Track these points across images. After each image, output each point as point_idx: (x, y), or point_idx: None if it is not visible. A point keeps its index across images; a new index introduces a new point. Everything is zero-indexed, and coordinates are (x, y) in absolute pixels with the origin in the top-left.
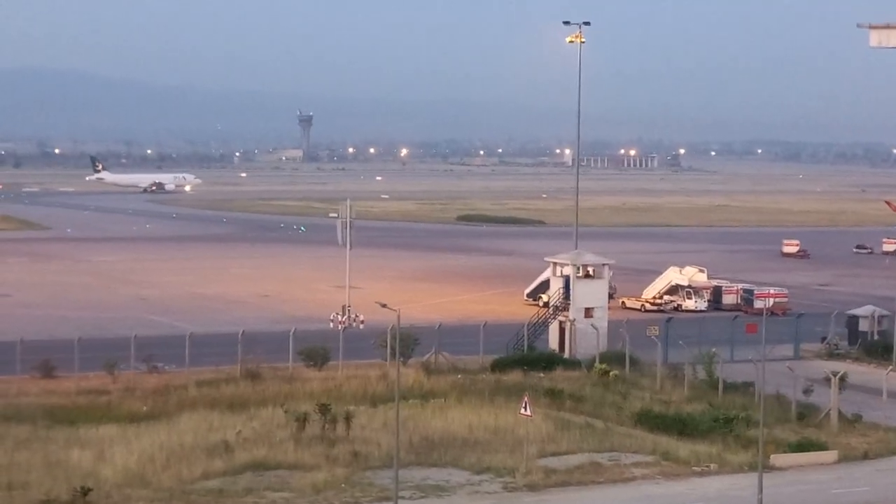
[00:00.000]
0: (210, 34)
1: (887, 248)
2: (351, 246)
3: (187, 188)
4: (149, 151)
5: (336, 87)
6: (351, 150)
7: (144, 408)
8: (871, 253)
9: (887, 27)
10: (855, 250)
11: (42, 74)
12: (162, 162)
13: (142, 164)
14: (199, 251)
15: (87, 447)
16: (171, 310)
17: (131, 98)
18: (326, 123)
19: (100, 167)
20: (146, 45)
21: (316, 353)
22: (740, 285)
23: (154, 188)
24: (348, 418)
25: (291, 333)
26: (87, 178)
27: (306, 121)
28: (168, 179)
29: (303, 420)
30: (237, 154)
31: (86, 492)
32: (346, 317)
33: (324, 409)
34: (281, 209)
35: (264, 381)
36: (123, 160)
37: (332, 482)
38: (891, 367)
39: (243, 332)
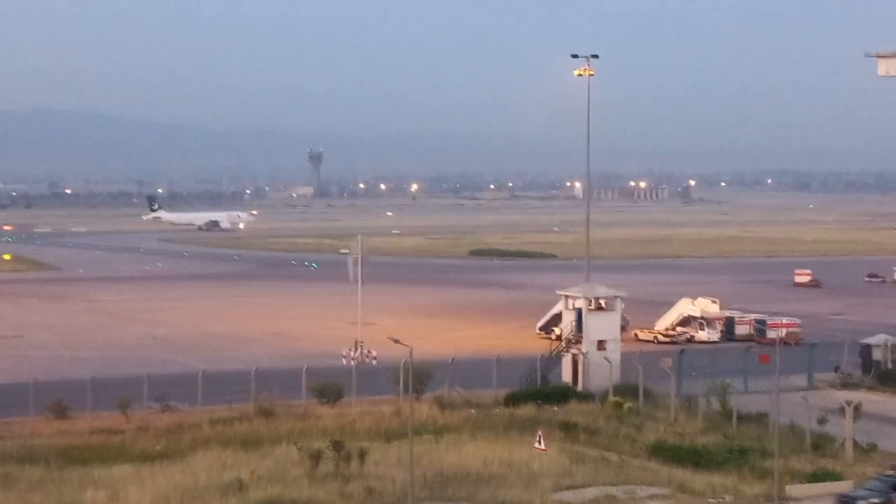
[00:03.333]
0: (220, 73)
1: None
2: (362, 282)
3: (241, 225)
4: (160, 190)
5: (346, 124)
6: (361, 185)
7: (158, 447)
8: (883, 282)
9: (895, 56)
10: (866, 279)
11: (52, 115)
12: (173, 201)
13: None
14: (211, 289)
15: (100, 487)
16: (184, 348)
17: (142, 137)
18: (337, 160)
19: (156, 206)
20: (156, 84)
21: (329, 389)
22: (753, 316)
23: (209, 226)
24: (362, 454)
25: (304, 370)
26: (143, 218)
27: (316, 157)
28: (223, 217)
29: (316, 457)
30: (248, 191)
31: None
32: (358, 353)
33: (337, 445)
34: (293, 246)
35: (278, 418)
36: (135, 199)
37: None
38: None
39: (256, 369)
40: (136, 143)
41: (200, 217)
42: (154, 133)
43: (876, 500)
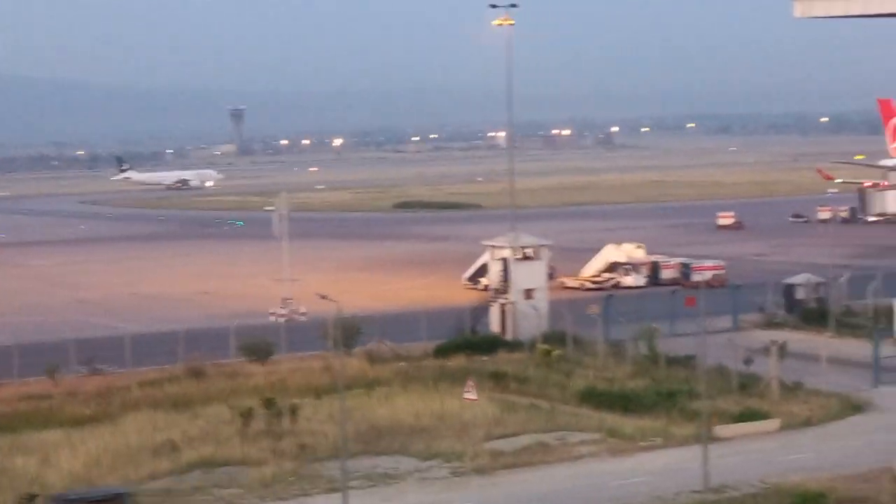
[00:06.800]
0: (132, 31)
1: (822, 216)
2: (287, 238)
3: (209, 183)
4: (80, 153)
5: (265, 81)
6: (284, 142)
7: (88, 411)
8: (807, 222)
9: None
10: (791, 219)
11: None
12: (94, 163)
13: (73, 165)
14: (136, 251)
15: (31, 453)
16: (111, 311)
17: (58, 100)
18: (258, 117)
19: (126, 167)
20: (70, 45)
21: (258, 347)
22: (678, 260)
23: (178, 185)
24: (294, 411)
25: (232, 329)
26: (111, 179)
27: (238, 115)
28: (192, 176)
29: (248, 415)
30: (169, 151)
31: (32, 498)
32: (286, 309)
33: (269, 403)
34: (217, 204)
35: (208, 378)
36: (54, 162)
37: (281, 476)
38: (829, 334)
39: (185, 330)
40: (51, 105)
41: (169, 176)
42: (70, 95)
43: None
